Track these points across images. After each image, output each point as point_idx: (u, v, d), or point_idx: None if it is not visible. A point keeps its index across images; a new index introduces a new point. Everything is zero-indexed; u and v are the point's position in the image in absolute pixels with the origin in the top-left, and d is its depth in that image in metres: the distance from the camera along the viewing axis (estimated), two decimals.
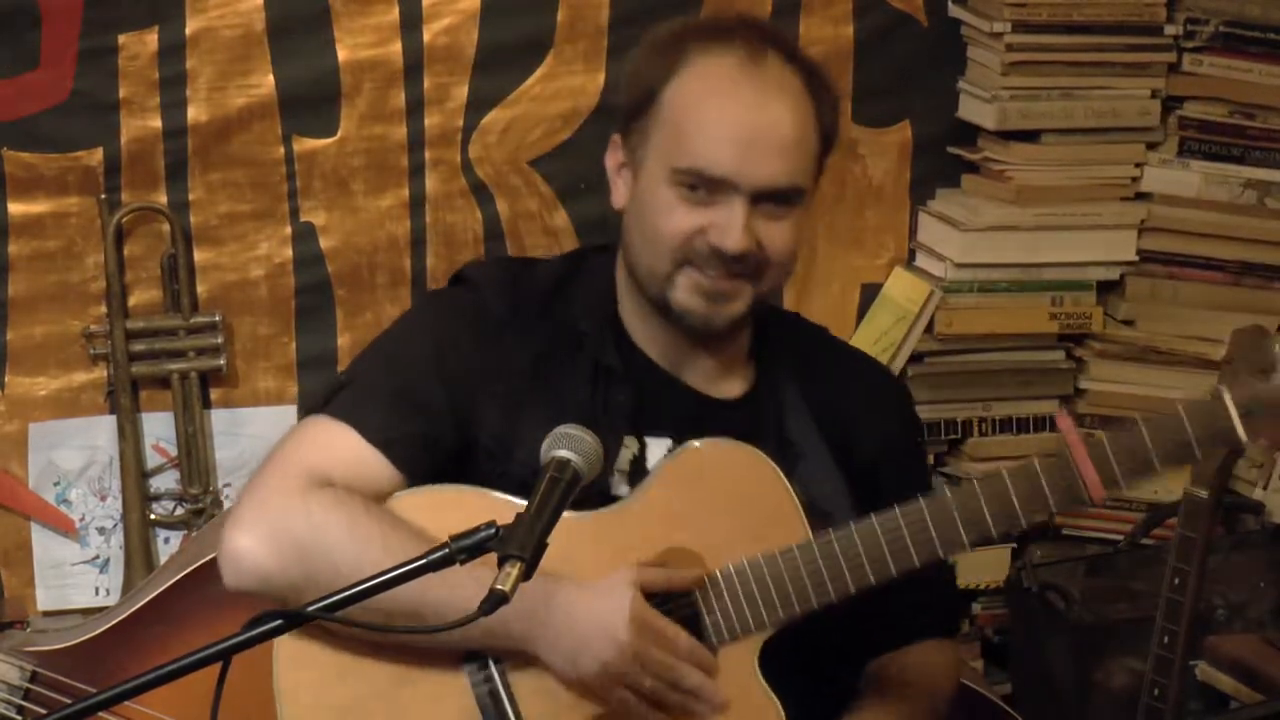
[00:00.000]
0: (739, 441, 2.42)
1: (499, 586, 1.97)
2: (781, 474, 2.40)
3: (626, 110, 2.48)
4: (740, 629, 2.37)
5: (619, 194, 2.50)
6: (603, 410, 2.46)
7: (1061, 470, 2.34)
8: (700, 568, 2.38)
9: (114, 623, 2.92)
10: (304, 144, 3.46)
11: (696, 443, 2.42)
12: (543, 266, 2.63)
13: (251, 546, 2.36)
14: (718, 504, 2.40)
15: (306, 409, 2.58)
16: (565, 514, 2.08)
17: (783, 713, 2.35)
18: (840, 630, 2.52)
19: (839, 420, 2.56)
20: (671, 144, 2.41)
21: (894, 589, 2.50)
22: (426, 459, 2.45)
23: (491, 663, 2.37)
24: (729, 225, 2.38)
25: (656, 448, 2.49)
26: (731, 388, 2.55)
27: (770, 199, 2.40)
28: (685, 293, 2.43)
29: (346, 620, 2.11)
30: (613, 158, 2.52)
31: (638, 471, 2.48)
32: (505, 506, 2.35)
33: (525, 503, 2.26)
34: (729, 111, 2.38)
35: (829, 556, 2.35)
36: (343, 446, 2.43)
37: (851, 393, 2.60)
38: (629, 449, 2.49)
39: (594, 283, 2.55)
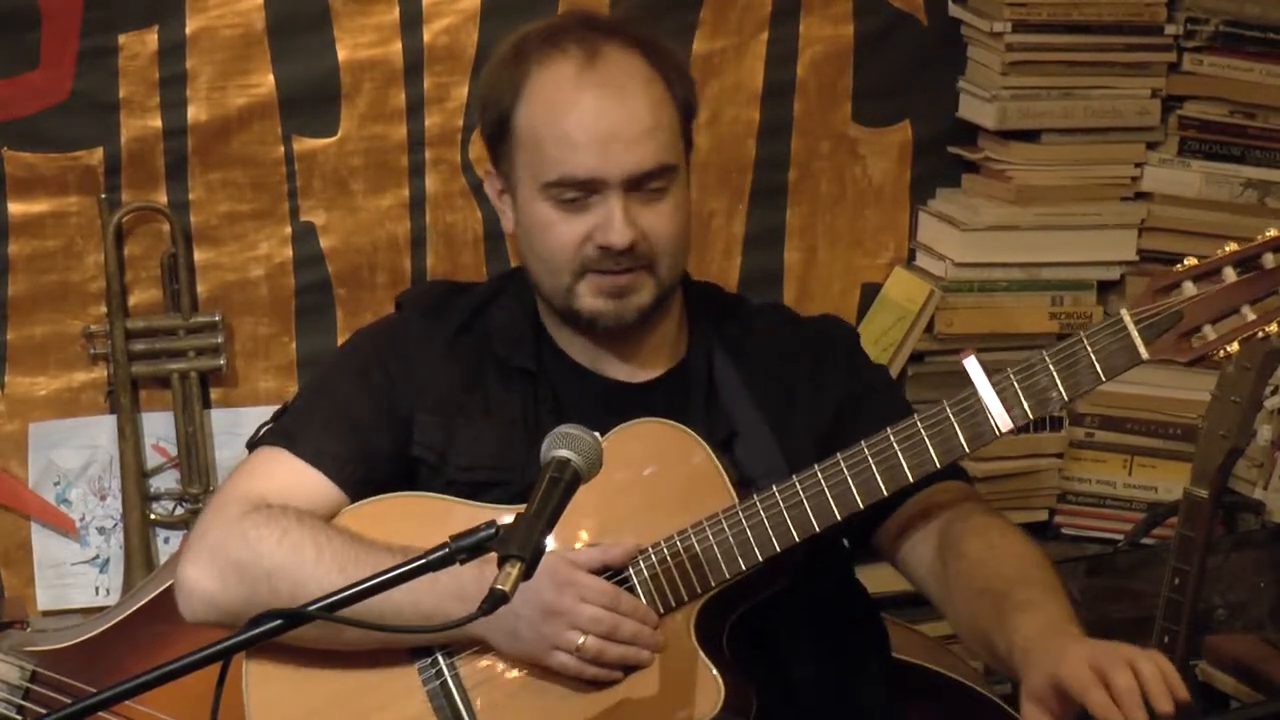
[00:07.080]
0: (655, 418, 2.46)
1: (499, 586, 2.01)
2: (703, 441, 2.44)
3: (488, 139, 2.54)
4: (674, 599, 2.39)
5: (507, 220, 2.56)
6: (529, 413, 2.51)
7: (970, 410, 2.38)
8: (631, 544, 2.41)
9: (114, 623, 2.92)
10: (304, 144, 3.46)
11: (612, 431, 2.44)
12: (474, 289, 2.69)
13: (196, 575, 2.44)
14: (643, 481, 2.44)
15: (248, 445, 2.61)
16: (498, 510, 2.16)
17: (721, 680, 2.36)
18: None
19: (781, 390, 2.56)
20: (536, 162, 2.46)
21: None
22: (363, 473, 2.49)
23: (441, 656, 2.41)
24: (609, 221, 2.43)
25: None
26: (654, 370, 2.57)
27: (643, 184, 2.45)
28: (589, 298, 2.47)
29: (341, 620, 2.12)
30: (491, 186, 2.57)
31: None
32: (449, 509, 2.44)
33: (469, 503, 2.43)
34: (581, 115, 2.43)
35: (753, 518, 2.38)
36: (278, 470, 2.50)
37: (793, 358, 2.59)
38: None
39: (515, 296, 2.60)
